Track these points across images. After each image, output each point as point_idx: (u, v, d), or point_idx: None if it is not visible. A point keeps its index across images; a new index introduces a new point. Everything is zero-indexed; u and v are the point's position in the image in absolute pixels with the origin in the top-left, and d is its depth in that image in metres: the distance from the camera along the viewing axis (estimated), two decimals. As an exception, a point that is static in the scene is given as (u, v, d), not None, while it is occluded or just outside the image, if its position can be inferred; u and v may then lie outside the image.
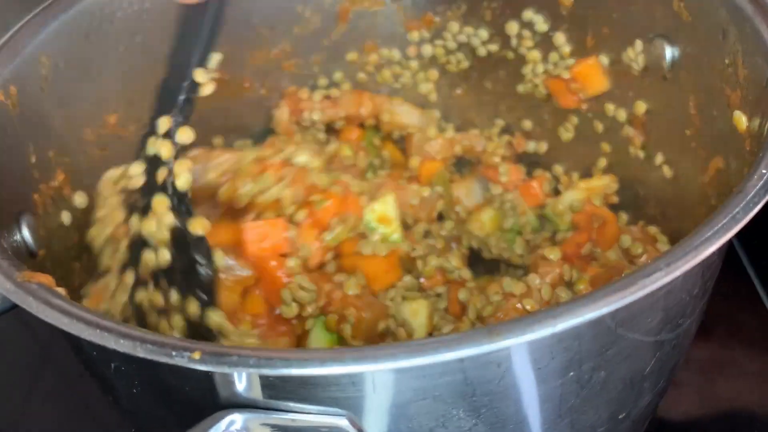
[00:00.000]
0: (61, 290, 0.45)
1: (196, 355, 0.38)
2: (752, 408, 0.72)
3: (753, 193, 0.44)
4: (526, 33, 0.79)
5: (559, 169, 0.81)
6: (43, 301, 0.43)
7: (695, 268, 0.42)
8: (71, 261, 0.63)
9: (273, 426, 0.42)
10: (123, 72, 0.70)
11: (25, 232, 0.57)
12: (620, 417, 0.53)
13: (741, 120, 0.56)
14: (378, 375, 0.41)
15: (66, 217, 0.64)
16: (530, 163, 0.83)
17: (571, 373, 0.45)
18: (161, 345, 0.39)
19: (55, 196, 0.63)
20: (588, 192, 0.76)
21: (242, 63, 0.80)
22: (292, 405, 0.42)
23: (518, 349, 0.42)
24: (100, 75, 0.68)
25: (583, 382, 0.46)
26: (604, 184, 0.76)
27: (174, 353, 0.38)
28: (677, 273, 0.40)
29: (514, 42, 0.80)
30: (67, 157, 0.64)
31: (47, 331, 0.81)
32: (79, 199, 0.65)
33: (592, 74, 0.75)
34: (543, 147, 0.83)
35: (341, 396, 0.42)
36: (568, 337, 0.43)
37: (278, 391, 0.42)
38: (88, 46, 0.66)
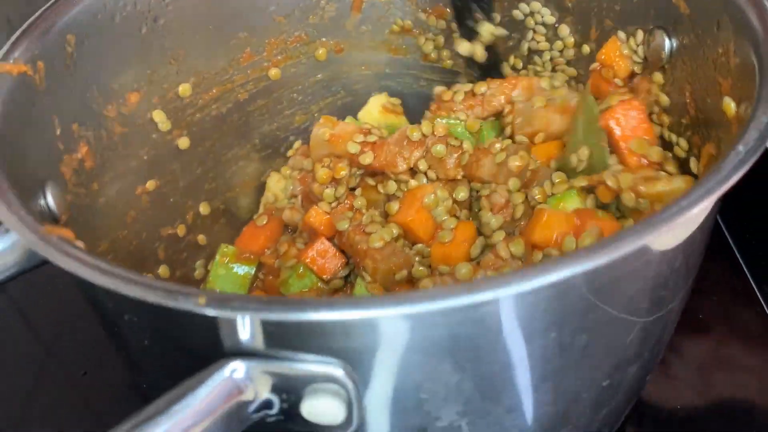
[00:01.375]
0: (80, 243, 0.48)
1: (202, 300, 0.41)
2: (750, 401, 0.73)
3: (729, 169, 0.46)
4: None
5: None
6: (63, 252, 0.45)
7: (671, 238, 0.44)
8: (92, 228, 0.66)
9: (273, 374, 0.44)
10: (145, 53, 0.73)
11: (50, 199, 0.60)
12: (604, 384, 0.55)
13: (730, 106, 0.58)
14: (367, 325, 0.43)
15: (89, 187, 0.67)
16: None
17: (553, 335, 0.47)
18: (169, 291, 0.42)
19: (78, 167, 0.66)
20: None
21: (258, 49, 0.83)
22: (291, 354, 0.44)
23: (497, 305, 0.44)
24: (123, 55, 0.71)
25: (565, 345, 0.48)
26: None
27: (181, 298, 0.41)
28: (644, 241, 0.42)
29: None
30: (89, 131, 0.67)
31: (50, 331, 0.84)
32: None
33: (617, 54, 0.73)
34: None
35: (336, 346, 0.44)
36: (548, 297, 0.45)
37: (278, 340, 0.44)
38: (112, 27, 0.69)
